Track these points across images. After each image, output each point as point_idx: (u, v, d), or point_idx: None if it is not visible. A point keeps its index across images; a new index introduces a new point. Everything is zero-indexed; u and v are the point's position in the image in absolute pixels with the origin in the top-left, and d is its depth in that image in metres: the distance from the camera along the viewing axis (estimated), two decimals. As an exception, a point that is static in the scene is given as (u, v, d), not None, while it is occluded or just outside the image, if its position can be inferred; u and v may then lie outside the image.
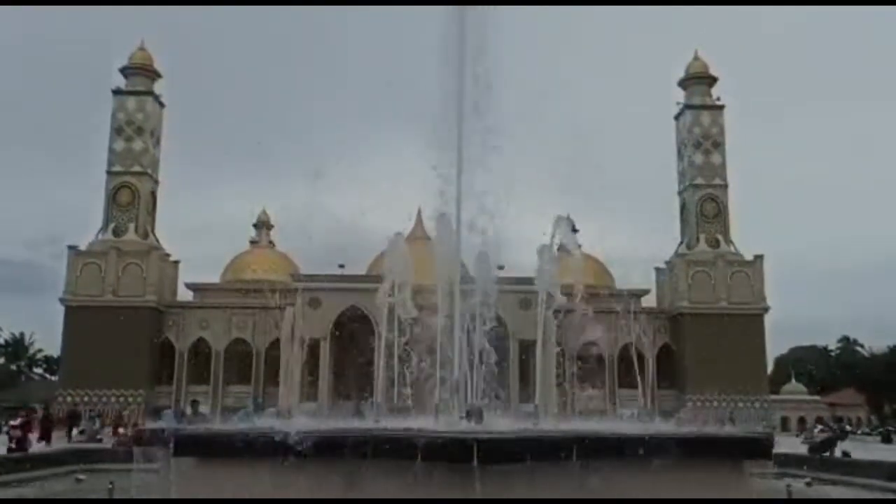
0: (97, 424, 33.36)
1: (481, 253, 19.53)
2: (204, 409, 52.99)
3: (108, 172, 56.83)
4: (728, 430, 11.45)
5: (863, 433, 53.80)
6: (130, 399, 51.76)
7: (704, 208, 59.43)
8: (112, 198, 56.38)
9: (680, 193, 61.72)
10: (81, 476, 15.15)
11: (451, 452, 8.99)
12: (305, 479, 9.36)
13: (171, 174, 61.28)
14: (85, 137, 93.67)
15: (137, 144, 56.87)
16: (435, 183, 17.44)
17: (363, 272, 55.94)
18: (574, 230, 63.35)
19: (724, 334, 52.53)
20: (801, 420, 58.65)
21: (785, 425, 58.31)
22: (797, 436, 41.34)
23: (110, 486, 12.39)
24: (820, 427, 29.78)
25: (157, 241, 57.95)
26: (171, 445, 10.39)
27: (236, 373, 55.72)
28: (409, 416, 17.99)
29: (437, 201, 18.00)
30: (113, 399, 51.31)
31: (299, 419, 17.07)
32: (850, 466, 16.32)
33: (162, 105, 59.50)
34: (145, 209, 57.00)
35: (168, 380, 54.59)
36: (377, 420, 16.26)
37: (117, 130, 57.13)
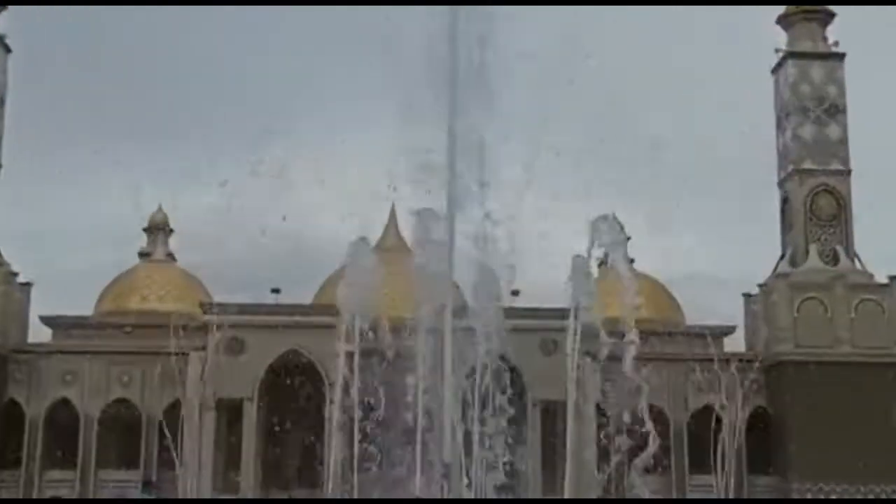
0: None
1: (484, 271, 19.60)
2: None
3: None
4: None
5: None
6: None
7: (817, 205, 59.61)
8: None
9: (780, 184, 61.98)
10: None
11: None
12: None
13: (18, 157, 61.06)
14: None
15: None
16: (414, 172, 17.51)
17: (309, 301, 55.58)
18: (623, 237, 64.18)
19: (847, 392, 52.58)
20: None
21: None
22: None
23: None
24: None
25: (-1, 253, 57.67)
26: None
27: (117, 451, 55.28)
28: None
29: (420, 198, 18.08)
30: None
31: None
32: None
33: (7, 49, 59.31)
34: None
35: (13, 463, 54.07)
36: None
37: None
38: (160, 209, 67.64)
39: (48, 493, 52.25)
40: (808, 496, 53.12)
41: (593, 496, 45.16)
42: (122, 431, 55.46)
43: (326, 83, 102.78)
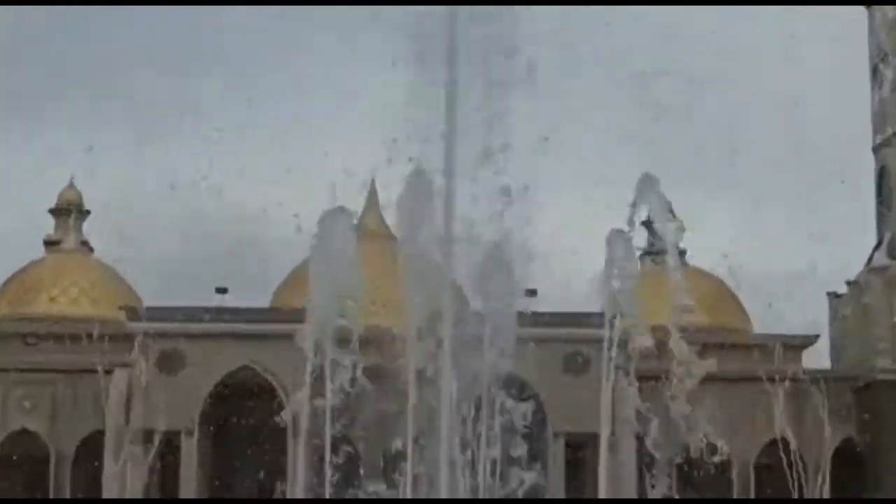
0: None
1: (490, 261, 19.23)
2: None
3: None
4: None
5: None
6: None
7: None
8: None
9: (876, 150, 61.66)
10: None
11: None
12: None
13: None
14: None
15: None
16: (402, 136, 17.17)
17: (266, 304, 55.40)
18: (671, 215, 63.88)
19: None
20: None
21: None
22: None
23: None
24: None
25: None
26: None
27: (18, 495, 55.15)
28: None
29: (407, 168, 17.75)
30: None
31: None
32: None
33: None
34: None
35: None
36: None
37: None
38: (71, 185, 67.11)
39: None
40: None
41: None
42: (26, 472, 55.31)
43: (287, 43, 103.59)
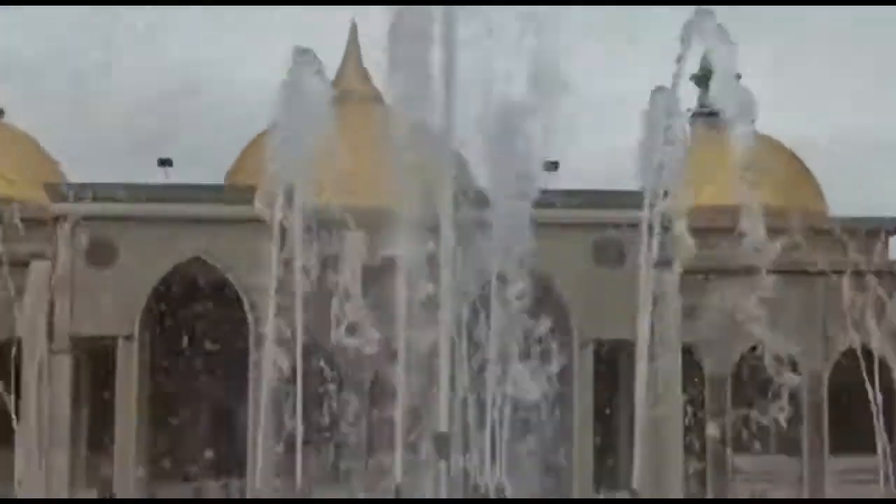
0: None
1: (501, 123, 19.44)
2: None
3: None
4: None
5: None
6: None
7: None
8: None
9: None
10: None
11: None
12: None
13: None
14: None
15: None
16: None
17: (219, 180, 55.66)
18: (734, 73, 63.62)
19: None
20: None
21: None
22: None
23: None
24: None
25: None
26: None
27: None
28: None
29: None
30: None
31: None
32: None
33: None
34: None
35: None
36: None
37: None
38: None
39: None
40: None
41: (675, 480, 45.87)
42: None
43: None
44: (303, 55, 24.10)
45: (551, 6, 18.43)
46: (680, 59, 20.23)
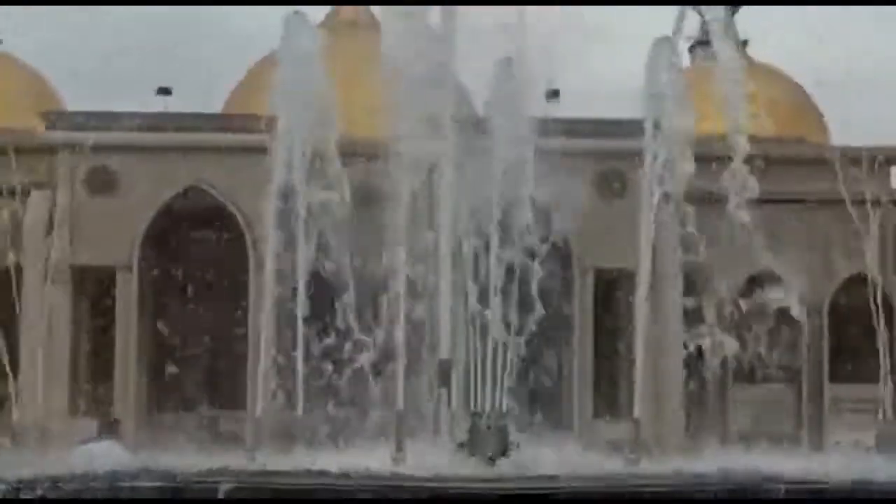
0: None
1: (502, 59, 19.58)
2: None
3: None
4: None
5: None
6: None
7: None
8: None
9: None
10: None
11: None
12: None
13: None
14: None
15: None
16: None
17: (217, 109, 55.63)
18: (730, 8, 63.79)
19: None
20: None
21: None
22: None
23: None
24: None
25: None
26: None
27: None
28: (335, 449, 18.67)
29: None
30: None
31: (82, 449, 17.47)
32: None
33: None
34: None
35: None
36: (255, 455, 16.73)
37: None
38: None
39: None
40: None
41: (677, 409, 46.03)
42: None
43: None
44: (294, 20, 24.28)
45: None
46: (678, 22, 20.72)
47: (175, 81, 54.20)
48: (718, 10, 22.44)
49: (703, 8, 22.31)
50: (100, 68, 79.96)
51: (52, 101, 60.03)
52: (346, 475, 10.67)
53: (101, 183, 50.39)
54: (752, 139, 33.45)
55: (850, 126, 61.60)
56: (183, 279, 49.59)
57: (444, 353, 17.60)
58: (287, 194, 23.39)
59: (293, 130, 22.94)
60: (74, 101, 58.07)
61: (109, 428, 31.23)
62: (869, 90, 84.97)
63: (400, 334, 19.08)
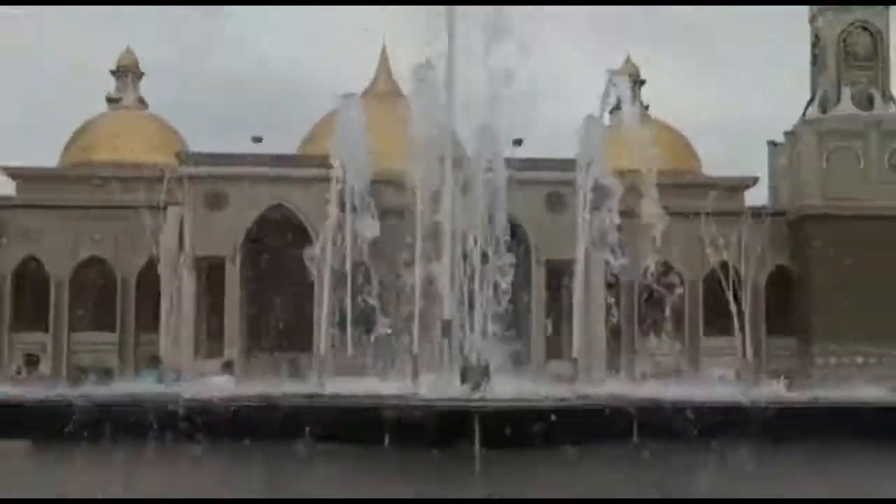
0: None
1: (483, 128, 19.58)
2: (44, 368, 53.50)
3: None
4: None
5: None
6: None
7: (851, 44, 58.77)
8: None
9: (812, 21, 60.99)
10: None
11: (437, 432, 9.12)
12: (201, 471, 9.54)
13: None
14: None
15: None
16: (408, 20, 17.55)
17: (294, 150, 55.54)
18: (637, 83, 63.83)
19: (878, 249, 52.75)
20: None
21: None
22: None
23: None
24: None
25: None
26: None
27: (91, 312, 55.87)
28: (372, 378, 18.50)
29: (416, 36, 18.05)
30: None
31: (207, 380, 17.36)
32: None
33: None
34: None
35: (-20, 324, 54.82)
36: (321, 383, 16.59)
37: None
38: (129, 50, 66.66)
39: (19, 356, 52.90)
40: (832, 360, 53.74)
41: (600, 356, 46.07)
42: (96, 292, 55.95)
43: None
44: (348, 100, 24.43)
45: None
46: (604, 98, 20.86)
47: (265, 131, 54.00)
48: (627, 87, 22.40)
49: (618, 81, 22.23)
50: (213, 118, 79.25)
51: (177, 140, 60.20)
52: (380, 396, 10.61)
53: (214, 201, 50.59)
54: (650, 171, 33.47)
55: (715, 161, 61.89)
56: (270, 266, 49.62)
57: (445, 315, 17.59)
58: (340, 210, 23.27)
59: (345, 170, 22.81)
60: (196, 142, 57.89)
61: (226, 367, 31.20)
62: (726, 136, 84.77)
63: (416, 305, 18.99)
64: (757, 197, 61.14)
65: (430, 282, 19.16)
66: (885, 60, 58.77)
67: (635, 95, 58.12)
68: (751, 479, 9.70)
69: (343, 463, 9.11)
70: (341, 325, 27.77)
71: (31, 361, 30.27)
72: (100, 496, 9.12)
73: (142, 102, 66.08)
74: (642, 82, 64.29)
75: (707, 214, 52.03)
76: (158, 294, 52.11)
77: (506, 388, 13.02)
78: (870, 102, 57.99)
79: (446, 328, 17.90)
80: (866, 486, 9.97)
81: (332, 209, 23.48)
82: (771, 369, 49.58)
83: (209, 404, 9.64)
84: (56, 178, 60.04)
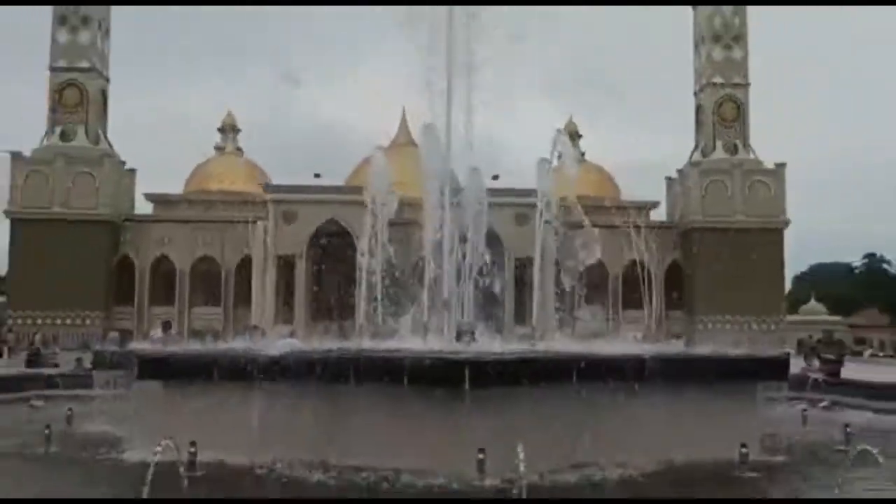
0: (53, 348, 33.66)
1: (473, 169, 19.72)
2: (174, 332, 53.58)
3: (52, 69, 55.23)
4: (738, 350, 11.74)
5: (886, 356, 55.23)
6: (87, 321, 52.05)
7: (722, 110, 58.88)
8: (57, 97, 54.97)
9: (696, 94, 61.06)
10: (37, 402, 15.38)
11: (439, 374, 9.20)
12: (281, 404, 9.57)
13: (121, 72, 60.16)
14: (23, 27, 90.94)
15: (84, 36, 55.13)
16: (422, 84, 17.58)
17: (342, 182, 55.79)
18: (576, 136, 63.86)
19: (739, 251, 52.81)
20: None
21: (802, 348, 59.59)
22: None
23: (69, 413, 12.64)
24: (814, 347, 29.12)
25: (111, 146, 57.15)
26: (136, 369, 10.58)
27: (203, 293, 56.05)
28: (397, 339, 18.48)
29: (425, 103, 18.12)
30: (69, 321, 51.56)
31: (278, 340, 17.42)
32: (873, 389, 16.54)
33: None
34: (95, 111, 55.78)
35: (127, 300, 54.91)
36: (360, 342, 16.61)
37: (60, 20, 55.32)
38: (229, 114, 66.81)
39: (155, 322, 53.02)
40: (709, 326, 54.01)
41: (552, 324, 46.01)
42: (207, 280, 56.14)
43: (355, 19, 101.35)
44: (377, 153, 24.69)
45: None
46: (552, 147, 20.96)
47: (323, 168, 54.06)
48: (566, 141, 22.51)
49: (560, 139, 22.32)
50: (288, 160, 79.17)
51: (262, 175, 60.21)
52: (401, 350, 10.60)
53: (288, 217, 50.71)
54: (584, 197, 33.77)
55: (629, 189, 61.90)
56: (326, 261, 49.67)
57: (445, 296, 17.64)
58: (374, 226, 23.25)
59: (375, 198, 22.86)
60: (276, 176, 57.50)
61: (293, 332, 31.17)
62: (638, 171, 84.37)
63: (426, 289, 19.02)
64: (658, 214, 61.34)
65: (435, 273, 19.13)
66: (746, 122, 59.13)
67: (574, 145, 58.11)
68: (648, 398, 9.88)
69: (378, 396, 9.24)
70: (375, 302, 27.83)
71: (167, 327, 30.10)
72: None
73: (238, 150, 66.14)
74: (580, 136, 64.31)
75: (625, 226, 52.23)
76: (250, 280, 52.33)
77: (487, 345, 13.03)
78: (735, 150, 58.29)
79: (446, 305, 17.88)
80: (713, 405, 10.22)
81: (368, 222, 23.46)
82: (670, 332, 49.99)
83: (297, 355, 9.82)
84: (181, 201, 60.23)
